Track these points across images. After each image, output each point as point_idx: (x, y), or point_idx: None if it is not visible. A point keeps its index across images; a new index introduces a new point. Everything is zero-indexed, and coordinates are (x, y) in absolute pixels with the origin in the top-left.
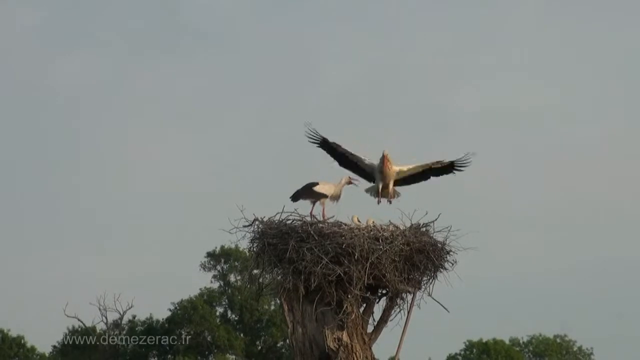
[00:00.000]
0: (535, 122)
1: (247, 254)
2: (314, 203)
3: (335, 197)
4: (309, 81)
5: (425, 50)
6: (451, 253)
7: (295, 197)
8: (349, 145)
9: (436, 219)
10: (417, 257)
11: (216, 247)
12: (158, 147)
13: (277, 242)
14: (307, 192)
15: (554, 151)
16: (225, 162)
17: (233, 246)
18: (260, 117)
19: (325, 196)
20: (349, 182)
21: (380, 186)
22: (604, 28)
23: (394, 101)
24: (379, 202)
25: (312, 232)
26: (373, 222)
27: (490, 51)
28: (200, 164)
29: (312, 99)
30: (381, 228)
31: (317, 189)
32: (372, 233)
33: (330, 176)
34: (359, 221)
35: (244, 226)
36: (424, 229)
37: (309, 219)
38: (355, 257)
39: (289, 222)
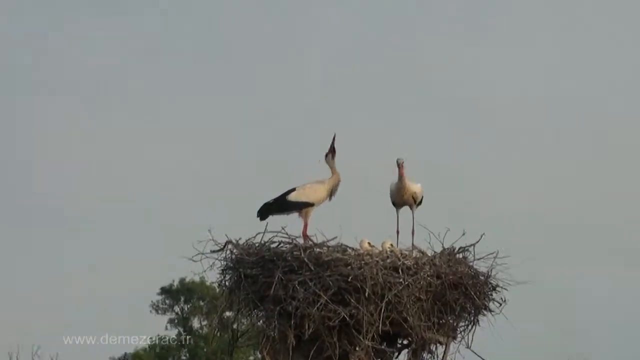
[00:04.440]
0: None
1: (217, 289)
2: (300, 216)
3: (327, 197)
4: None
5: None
6: (498, 289)
7: (262, 214)
8: None
9: (477, 242)
10: (451, 295)
11: (174, 281)
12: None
13: (257, 273)
14: (281, 205)
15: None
16: (188, 168)
17: (197, 279)
18: (237, 109)
19: (309, 205)
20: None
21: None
22: None
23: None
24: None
25: (306, 259)
26: (391, 245)
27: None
28: (155, 172)
29: (301, 83)
30: (402, 254)
31: (293, 197)
32: (389, 261)
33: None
34: (370, 246)
35: (213, 251)
36: (460, 255)
37: (301, 241)
38: (366, 294)
39: (274, 245)
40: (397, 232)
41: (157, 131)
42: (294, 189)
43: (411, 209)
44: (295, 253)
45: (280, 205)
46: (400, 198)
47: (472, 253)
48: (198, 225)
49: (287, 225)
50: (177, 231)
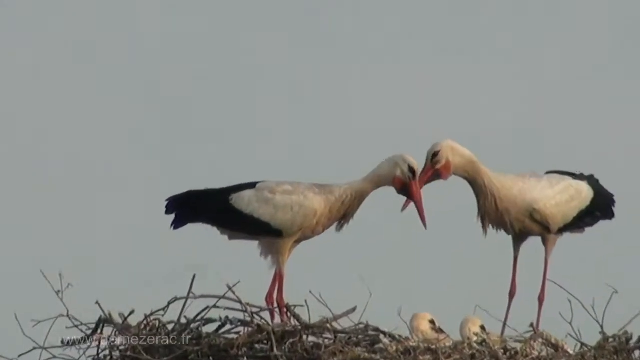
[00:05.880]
0: None
1: None
2: (262, 254)
3: (328, 221)
4: None
5: None
6: None
7: (178, 212)
8: None
9: None
10: None
11: None
12: None
13: None
14: (216, 211)
15: None
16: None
17: None
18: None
19: (271, 231)
20: (403, 183)
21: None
22: None
23: None
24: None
25: None
26: (482, 330)
27: None
28: None
29: None
30: (507, 351)
31: (245, 204)
32: None
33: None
34: (436, 330)
35: (68, 343)
36: None
37: (270, 318)
38: None
39: (209, 328)
40: (512, 293)
41: None
42: (253, 185)
43: (545, 244)
44: (259, 347)
45: (213, 209)
46: (500, 222)
47: None
48: (35, 277)
49: (240, 281)
50: None
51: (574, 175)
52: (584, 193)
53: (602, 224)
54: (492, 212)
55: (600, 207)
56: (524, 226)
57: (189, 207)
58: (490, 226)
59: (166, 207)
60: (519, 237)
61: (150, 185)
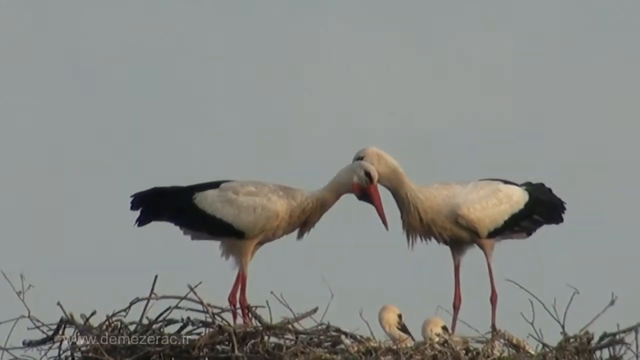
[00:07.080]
0: None
1: None
2: (223, 254)
3: (288, 226)
4: None
5: None
6: None
7: (144, 208)
8: None
9: None
10: None
11: None
12: None
13: None
14: (178, 209)
15: None
16: None
17: None
18: None
19: (239, 234)
20: (362, 188)
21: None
22: None
23: None
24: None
25: None
26: (444, 330)
27: None
28: None
29: None
30: (468, 351)
31: (208, 204)
32: None
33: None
34: (401, 326)
35: (31, 343)
36: (605, 354)
37: (232, 318)
38: None
39: (171, 329)
40: (456, 305)
41: None
42: (217, 185)
43: (482, 249)
44: (220, 348)
45: (176, 207)
46: (428, 233)
47: (635, 347)
48: None
49: (201, 282)
50: None
51: (507, 182)
52: (515, 197)
53: (564, 225)
54: (418, 225)
55: (540, 211)
56: (452, 234)
57: (153, 204)
58: (418, 238)
59: (131, 202)
60: (455, 247)
61: (113, 183)
